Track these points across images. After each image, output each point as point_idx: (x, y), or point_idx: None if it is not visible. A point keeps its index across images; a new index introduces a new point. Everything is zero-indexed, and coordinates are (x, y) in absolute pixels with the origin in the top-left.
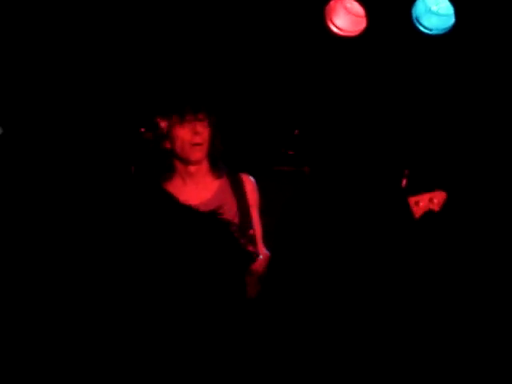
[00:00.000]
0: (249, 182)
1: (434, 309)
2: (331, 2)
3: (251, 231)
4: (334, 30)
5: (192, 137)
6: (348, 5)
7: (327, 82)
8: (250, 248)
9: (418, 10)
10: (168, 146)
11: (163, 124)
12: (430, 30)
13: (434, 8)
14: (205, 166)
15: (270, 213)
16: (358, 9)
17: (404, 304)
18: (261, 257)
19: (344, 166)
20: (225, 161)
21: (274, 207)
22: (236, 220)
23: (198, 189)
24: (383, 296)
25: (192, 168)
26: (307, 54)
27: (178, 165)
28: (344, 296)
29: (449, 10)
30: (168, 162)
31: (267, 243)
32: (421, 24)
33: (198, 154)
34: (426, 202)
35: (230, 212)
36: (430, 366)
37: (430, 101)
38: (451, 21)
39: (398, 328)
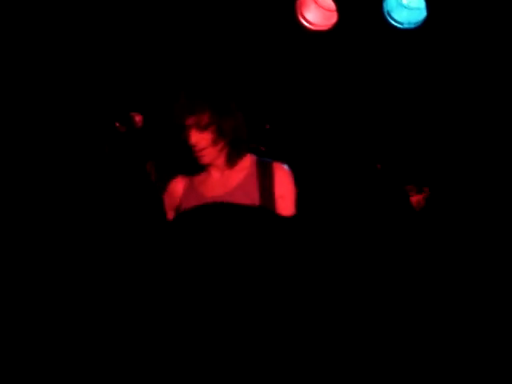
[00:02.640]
0: (280, 172)
1: (429, 304)
2: None
3: None
4: (305, 24)
5: (193, 146)
6: None
7: (298, 76)
8: None
9: (390, 3)
10: None
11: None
12: (401, 23)
13: (404, 2)
14: (223, 158)
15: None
16: (329, 3)
17: (399, 298)
18: None
19: (317, 160)
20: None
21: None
22: None
23: (222, 179)
24: (382, 291)
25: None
26: (278, 48)
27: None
28: (342, 290)
29: (420, 3)
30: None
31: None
32: (392, 18)
33: (203, 159)
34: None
35: (253, 203)
36: (426, 365)
37: (401, 94)
38: (422, 15)
39: (393, 323)
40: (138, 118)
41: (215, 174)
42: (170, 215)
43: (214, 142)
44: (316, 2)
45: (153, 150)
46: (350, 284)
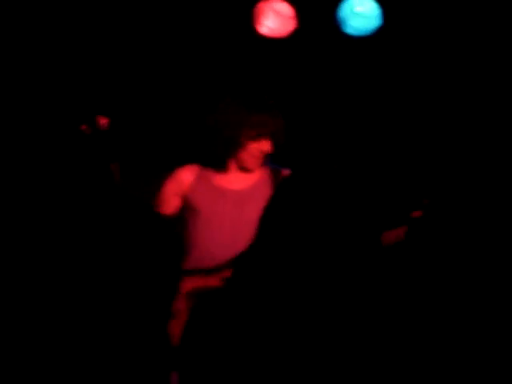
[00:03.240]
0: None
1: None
2: (260, 4)
3: None
4: (263, 31)
5: (259, 153)
6: (276, 6)
7: (256, 84)
8: None
9: (344, 11)
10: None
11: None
12: (356, 31)
13: (359, 9)
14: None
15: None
16: (287, 10)
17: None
18: None
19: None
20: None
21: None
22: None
23: (239, 177)
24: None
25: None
26: (236, 55)
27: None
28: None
29: (374, 11)
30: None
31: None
32: (346, 25)
33: (257, 166)
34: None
35: (260, 205)
36: (421, 365)
37: (355, 102)
38: (377, 22)
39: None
40: (103, 121)
41: (235, 171)
42: (174, 200)
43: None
44: (274, 10)
45: (118, 151)
46: (347, 286)
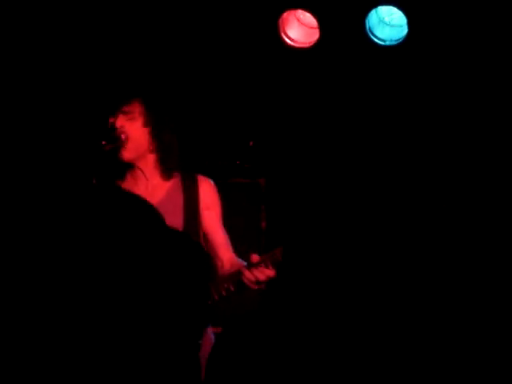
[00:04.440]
0: (204, 184)
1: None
2: (284, 14)
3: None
4: (288, 41)
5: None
6: (301, 16)
7: (281, 94)
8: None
9: (371, 20)
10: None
11: (112, 120)
12: (384, 40)
13: (386, 19)
14: (151, 164)
15: (225, 224)
16: (311, 20)
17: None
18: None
19: (300, 178)
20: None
21: (229, 219)
22: (180, 223)
23: (147, 191)
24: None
25: (137, 169)
26: (261, 65)
27: (127, 167)
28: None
29: (401, 20)
30: (121, 166)
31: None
32: (374, 35)
33: (123, 153)
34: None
35: (176, 215)
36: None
37: (383, 112)
38: (404, 31)
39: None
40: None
41: (141, 185)
42: None
43: (139, 135)
44: (298, 20)
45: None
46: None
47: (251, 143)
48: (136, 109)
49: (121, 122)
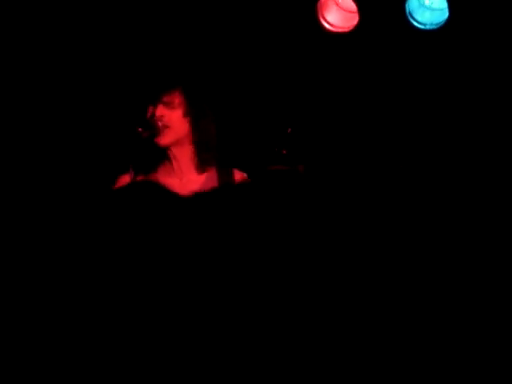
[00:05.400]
0: (239, 177)
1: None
2: None
3: None
4: (326, 26)
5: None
6: (340, 0)
7: (320, 79)
8: None
9: (411, 4)
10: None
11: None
12: (424, 24)
13: (427, 2)
14: (187, 156)
15: (264, 213)
16: (350, 4)
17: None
18: None
19: (339, 165)
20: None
21: (268, 207)
22: None
23: (181, 183)
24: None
25: (173, 159)
26: (299, 50)
27: (163, 157)
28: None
29: (442, 4)
30: (157, 154)
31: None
32: (414, 19)
33: (161, 138)
34: None
35: None
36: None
37: (424, 97)
38: (445, 15)
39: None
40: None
41: (175, 177)
42: None
43: (180, 124)
44: (337, 4)
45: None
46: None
47: (289, 130)
48: (176, 99)
49: (160, 111)
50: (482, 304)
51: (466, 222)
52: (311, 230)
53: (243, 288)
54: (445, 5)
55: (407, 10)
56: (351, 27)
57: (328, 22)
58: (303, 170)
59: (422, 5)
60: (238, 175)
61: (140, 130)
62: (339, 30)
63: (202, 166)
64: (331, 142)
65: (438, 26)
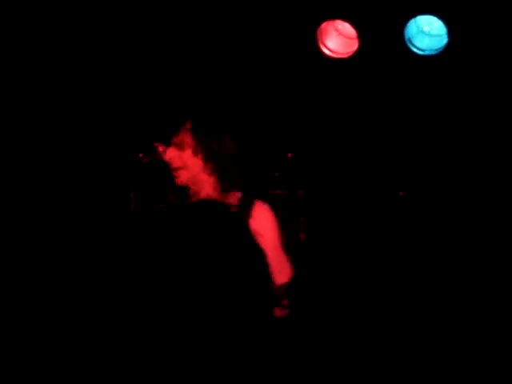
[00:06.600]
0: (258, 209)
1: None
2: (323, 24)
3: None
4: (326, 52)
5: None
6: (339, 27)
7: (320, 105)
8: None
9: (411, 30)
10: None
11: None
12: (423, 50)
13: (425, 29)
14: (210, 186)
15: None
16: (350, 30)
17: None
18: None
19: (338, 189)
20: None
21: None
22: None
23: None
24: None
25: (193, 197)
26: (299, 76)
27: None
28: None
29: (441, 30)
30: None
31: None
32: (413, 45)
33: (176, 180)
34: None
35: None
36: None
37: (424, 122)
38: (443, 41)
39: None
40: (161, 149)
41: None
42: None
43: (191, 164)
44: (337, 30)
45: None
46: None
47: (290, 155)
48: (184, 138)
49: (170, 154)
50: (482, 304)
51: (467, 227)
52: (310, 252)
53: (242, 292)
54: (443, 31)
55: (406, 36)
56: (351, 53)
57: (328, 48)
58: (303, 194)
59: (421, 31)
60: (259, 206)
61: (141, 155)
62: (339, 56)
63: (225, 192)
64: (331, 166)
65: (437, 51)
